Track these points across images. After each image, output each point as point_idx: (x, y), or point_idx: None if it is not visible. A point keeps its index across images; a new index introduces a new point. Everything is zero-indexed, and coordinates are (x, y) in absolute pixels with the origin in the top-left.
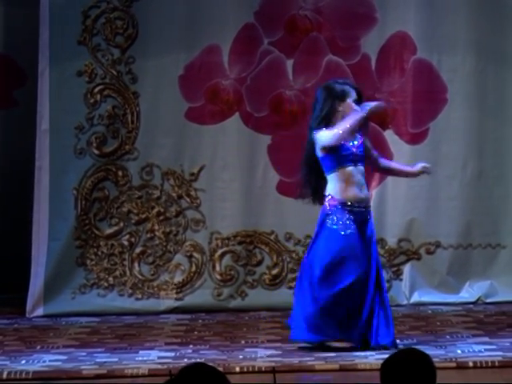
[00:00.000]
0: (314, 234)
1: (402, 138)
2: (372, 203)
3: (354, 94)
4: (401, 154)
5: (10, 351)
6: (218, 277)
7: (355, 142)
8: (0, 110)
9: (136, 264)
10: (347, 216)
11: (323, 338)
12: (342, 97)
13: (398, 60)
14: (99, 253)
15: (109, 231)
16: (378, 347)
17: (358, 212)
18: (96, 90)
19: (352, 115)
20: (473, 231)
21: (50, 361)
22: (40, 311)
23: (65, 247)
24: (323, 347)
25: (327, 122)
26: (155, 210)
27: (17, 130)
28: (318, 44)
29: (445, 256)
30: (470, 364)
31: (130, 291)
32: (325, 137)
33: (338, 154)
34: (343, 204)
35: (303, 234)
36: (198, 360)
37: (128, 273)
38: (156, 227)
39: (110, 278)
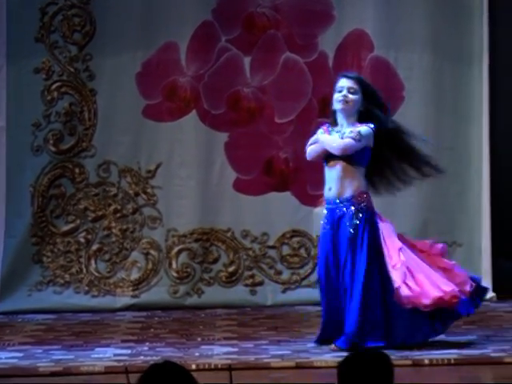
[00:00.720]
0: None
1: None
2: None
3: (339, 82)
4: None
5: None
6: (175, 274)
7: None
8: None
9: (92, 261)
10: None
11: None
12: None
13: (355, 58)
14: (55, 250)
15: (65, 228)
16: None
17: None
18: (53, 87)
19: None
20: (429, 229)
21: (5, 358)
22: None
23: (21, 244)
24: None
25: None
26: (112, 207)
27: None
28: (275, 41)
29: None
30: (426, 362)
31: (87, 288)
32: None
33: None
34: None
35: (260, 232)
36: (155, 358)
37: (84, 270)
38: (113, 224)
39: (67, 275)
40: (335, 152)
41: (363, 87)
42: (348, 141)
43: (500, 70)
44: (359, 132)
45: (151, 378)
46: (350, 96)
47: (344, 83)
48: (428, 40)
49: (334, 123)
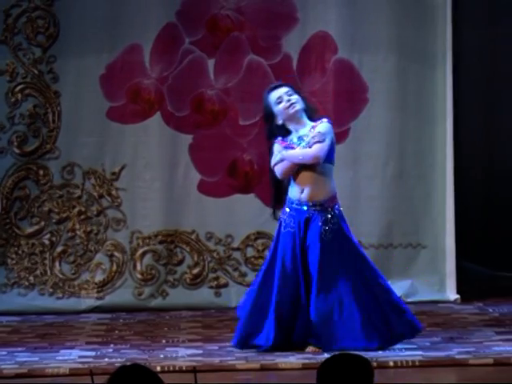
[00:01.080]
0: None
1: None
2: None
3: (272, 97)
4: None
5: None
6: (139, 276)
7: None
8: None
9: (57, 263)
10: None
11: None
12: (270, 111)
13: (319, 60)
14: (20, 252)
15: (30, 230)
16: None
17: None
18: (17, 89)
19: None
20: (394, 231)
21: None
22: None
23: None
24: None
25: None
26: (76, 209)
27: None
28: (239, 43)
29: None
30: (391, 364)
31: (51, 290)
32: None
33: None
34: None
35: (224, 234)
36: (119, 359)
37: (49, 272)
38: (77, 226)
39: (31, 277)
40: (309, 162)
41: (293, 87)
42: (316, 146)
43: (463, 71)
44: (319, 132)
45: (119, 380)
46: (293, 98)
47: (278, 93)
48: (392, 42)
49: (287, 134)
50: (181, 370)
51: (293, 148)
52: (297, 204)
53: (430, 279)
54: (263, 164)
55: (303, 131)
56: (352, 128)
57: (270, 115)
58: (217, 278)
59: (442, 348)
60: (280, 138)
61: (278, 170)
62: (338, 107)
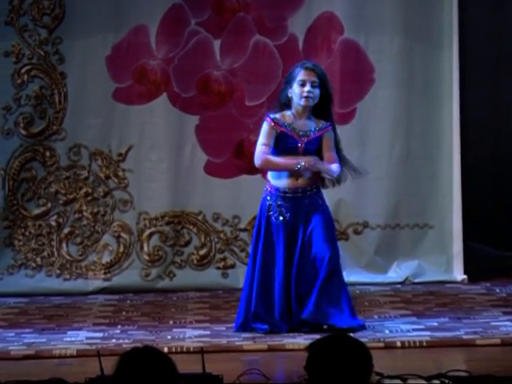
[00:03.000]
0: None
1: None
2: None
3: (300, 75)
4: None
5: None
6: (146, 257)
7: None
8: None
9: (64, 244)
10: None
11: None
12: (290, 81)
13: (325, 40)
14: (27, 233)
15: (36, 212)
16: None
17: None
18: (23, 70)
19: (287, 162)
20: (400, 211)
21: None
22: None
23: None
24: None
25: (282, 107)
26: (83, 190)
27: None
28: (245, 24)
29: (373, 236)
30: (398, 344)
31: (58, 272)
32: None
33: None
34: None
35: (231, 215)
36: (127, 341)
37: (56, 253)
38: (84, 208)
39: (38, 259)
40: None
41: (322, 80)
42: (337, 165)
43: (470, 52)
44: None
45: (131, 362)
46: (315, 91)
47: (306, 76)
48: (398, 22)
49: (280, 111)
50: (188, 351)
51: (293, 137)
52: (292, 192)
53: (437, 260)
54: None
55: (308, 126)
56: (358, 108)
57: (286, 82)
58: (224, 259)
59: (450, 328)
60: (273, 118)
61: (266, 161)
62: (344, 88)
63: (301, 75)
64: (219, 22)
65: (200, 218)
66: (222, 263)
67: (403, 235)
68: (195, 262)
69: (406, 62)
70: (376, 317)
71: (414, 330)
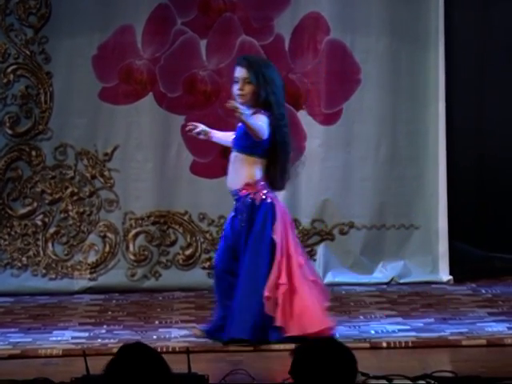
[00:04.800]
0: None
1: (315, 119)
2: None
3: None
4: (314, 134)
5: None
6: (132, 257)
7: None
8: None
9: (50, 244)
10: None
11: None
12: None
13: (311, 41)
14: (12, 233)
15: (22, 211)
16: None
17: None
18: (9, 69)
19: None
20: (386, 212)
21: None
22: None
23: None
24: None
25: None
26: (69, 190)
27: None
28: (231, 24)
29: (358, 236)
30: (384, 344)
31: (44, 271)
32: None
33: None
34: None
35: (217, 215)
36: (112, 340)
37: (42, 253)
38: (70, 207)
39: (24, 258)
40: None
41: (257, 72)
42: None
43: (456, 52)
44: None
45: (122, 358)
46: (246, 88)
47: (238, 73)
48: (384, 23)
49: None
50: (174, 351)
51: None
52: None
53: (423, 260)
54: None
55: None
56: (344, 109)
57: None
58: (209, 259)
59: (435, 329)
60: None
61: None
62: (330, 88)
63: (235, 72)
64: (205, 21)
65: (186, 217)
66: (208, 263)
67: (389, 236)
68: (181, 261)
69: (392, 62)
70: (361, 317)
71: (400, 330)
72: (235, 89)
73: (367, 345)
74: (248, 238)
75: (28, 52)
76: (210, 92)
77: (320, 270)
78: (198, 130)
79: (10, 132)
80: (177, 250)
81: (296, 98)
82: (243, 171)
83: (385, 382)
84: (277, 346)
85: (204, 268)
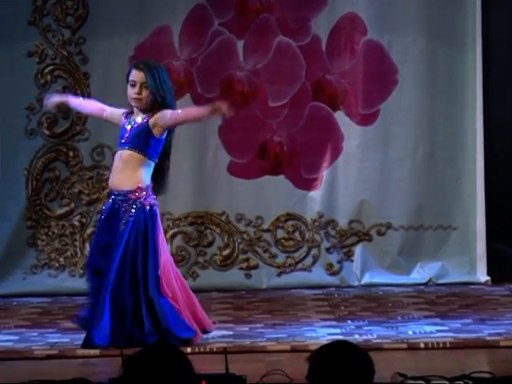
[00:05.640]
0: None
1: (352, 119)
2: (323, 185)
3: (130, 76)
4: (351, 135)
5: None
6: None
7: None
8: None
9: (87, 244)
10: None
11: None
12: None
13: (348, 41)
14: (50, 233)
15: (60, 212)
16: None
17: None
18: (46, 70)
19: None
20: (424, 212)
21: (1, 341)
22: None
23: (16, 228)
24: None
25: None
26: (106, 190)
27: None
28: (268, 25)
29: (396, 237)
30: (422, 345)
31: (82, 272)
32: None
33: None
34: None
35: (254, 215)
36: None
37: (79, 253)
38: None
39: (61, 259)
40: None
41: (154, 77)
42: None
43: (493, 53)
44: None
45: (144, 359)
46: (144, 92)
47: (136, 77)
48: (422, 23)
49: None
50: (211, 352)
51: (124, 126)
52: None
53: (461, 261)
54: (293, 145)
55: (136, 118)
56: (382, 110)
57: (126, 75)
58: (247, 260)
59: (473, 329)
60: (126, 113)
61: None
62: (367, 89)
63: (132, 75)
64: (242, 22)
65: (223, 218)
66: (245, 264)
67: (426, 236)
68: (218, 262)
69: (429, 63)
70: (399, 318)
71: (438, 331)
72: (132, 92)
73: (405, 345)
74: (134, 241)
75: (65, 53)
76: (247, 93)
77: (357, 271)
78: (50, 104)
79: (47, 133)
80: (214, 251)
81: (333, 98)
82: (137, 173)
83: (422, 382)
84: (314, 346)
85: (241, 268)
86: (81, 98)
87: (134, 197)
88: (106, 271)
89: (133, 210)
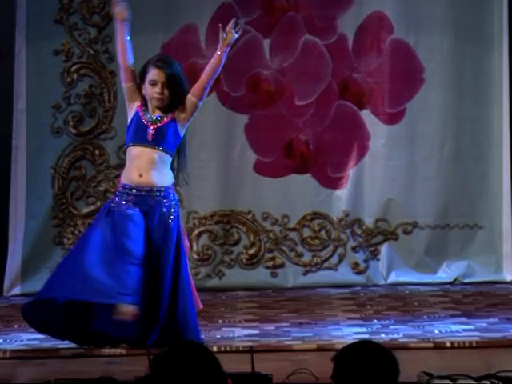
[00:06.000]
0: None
1: (378, 118)
2: (349, 183)
3: (150, 75)
4: (378, 133)
5: None
6: (196, 256)
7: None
8: None
9: None
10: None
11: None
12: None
13: (374, 40)
14: (76, 232)
15: (86, 210)
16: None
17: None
18: (73, 68)
19: None
20: (450, 211)
21: (27, 340)
22: (17, 290)
23: (42, 226)
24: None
25: None
26: None
27: None
28: (294, 24)
29: (422, 236)
30: (448, 344)
31: None
32: None
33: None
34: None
35: (280, 214)
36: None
37: None
38: None
39: None
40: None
41: (175, 77)
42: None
43: None
44: None
45: (171, 358)
46: (165, 92)
47: (157, 76)
48: (448, 22)
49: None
50: (237, 351)
51: (143, 122)
52: (137, 190)
53: (487, 260)
54: (319, 144)
55: (159, 117)
56: (408, 108)
57: (141, 72)
58: (273, 259)
59: (500, 329)
60: (141, 105)
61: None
62: (393, 88)
63: (153, 74)
64: (269, 21)
65: (249, 217)
66: (271, 262)
67: (453, 235)
68: (244, 261)
69: (456, 61)
70: (425, 317)
71: (464, 330)
72: (153, 91)
73: (431, 344)
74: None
75: (92, 51)
76: (273, 91)
77: (383, 270)
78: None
79: (73, 131)
80: (240, 250)
81: (360, 97)
82: (166, 173)
83: (449, 381)
84: (340, 345)
85: (267, 267)
86: (128, 37)
87: (171, 193)
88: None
89: (175, 207)
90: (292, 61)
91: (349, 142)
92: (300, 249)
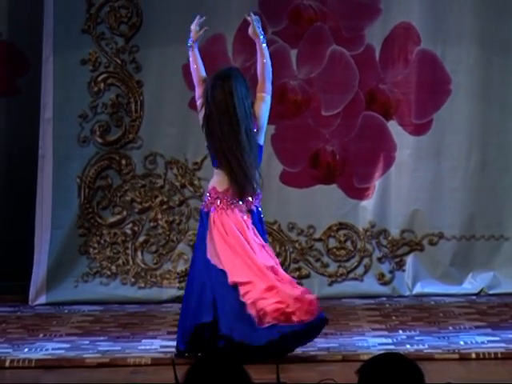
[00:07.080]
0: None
1: (405, 129)
2: (375, 194)
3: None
4: (404, 144)
5: (13, 339)
6: None
7: None
8: (3, 97)
9: (139, 253)
10: None
11: None
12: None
13: (401, 51)
14: (102, 241)
15: (112, 220)
16: None
17: None
18: (100, 78)
19: None
20: (476, 223)
21: (52, 349)
22: (43, 299)
23: (68, 235)
24: None
25: None
26: (158, 198)
27: (19, 118)
28: (322, 34)
29: (448, 247)
30: (473, 355)
31: (133, 280)
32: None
33: None
34: None
35: (306, 224)
36: None
37: (131, 261)
38: (159, 216)
39: (113, 267)
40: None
41: (240, 98)
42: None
43: None
44: None
45: (201, 368)
46: None
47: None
48: (475, 33)
49: None
50: (264, 361)
51: None
52: None
53: None
54: (345, 155)
55: None
56: (435, 119)
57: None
58: (299, 269)
59: None
60: None
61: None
62: (420, 98)
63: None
64: (296, 31)
65: (275, 227)
66: (297, 273)
67: (478, 246)
68: None
69: (483, 72)
70: (451, 328)
71: (489, 341)
72: None
73: (456, 356)
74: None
75: (119, 61)
76: (300, 102)
77: (409, 281)
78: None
79: (100, 140)
80: None
81: (386, 108)
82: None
83: None
84: (365, 356)
85: (293, 277)
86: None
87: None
88: None
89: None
90: (319, 71)
91: (375, 153)
92: (326, 259)
